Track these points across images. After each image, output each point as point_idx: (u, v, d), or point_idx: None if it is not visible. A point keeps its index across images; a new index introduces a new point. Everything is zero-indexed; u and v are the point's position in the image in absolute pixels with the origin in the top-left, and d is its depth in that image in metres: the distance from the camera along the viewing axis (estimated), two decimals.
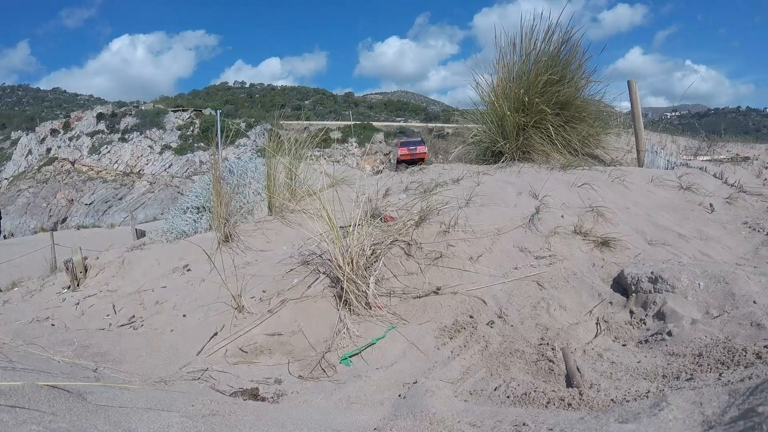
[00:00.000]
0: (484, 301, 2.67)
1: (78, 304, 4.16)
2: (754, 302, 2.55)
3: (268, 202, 5.08)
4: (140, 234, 11.74)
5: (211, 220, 5.08)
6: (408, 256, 3.08)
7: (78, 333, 3.20)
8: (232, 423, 1.54)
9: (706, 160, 8.96)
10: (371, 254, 2.94)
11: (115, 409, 1.49)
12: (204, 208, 6.13)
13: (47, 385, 1.47)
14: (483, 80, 7.09)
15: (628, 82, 7.39)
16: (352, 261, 2.78)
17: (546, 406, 1.63)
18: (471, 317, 2.57)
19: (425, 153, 7.12)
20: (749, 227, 5.01)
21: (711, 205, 5.26)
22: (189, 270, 4.45)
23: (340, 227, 3.10)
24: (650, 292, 2.68)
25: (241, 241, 4.52)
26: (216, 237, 4.60)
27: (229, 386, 2.31)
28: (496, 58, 7.03)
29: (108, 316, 3.76)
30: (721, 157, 9.69)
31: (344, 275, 2.73)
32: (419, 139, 8.34)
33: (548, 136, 6.06)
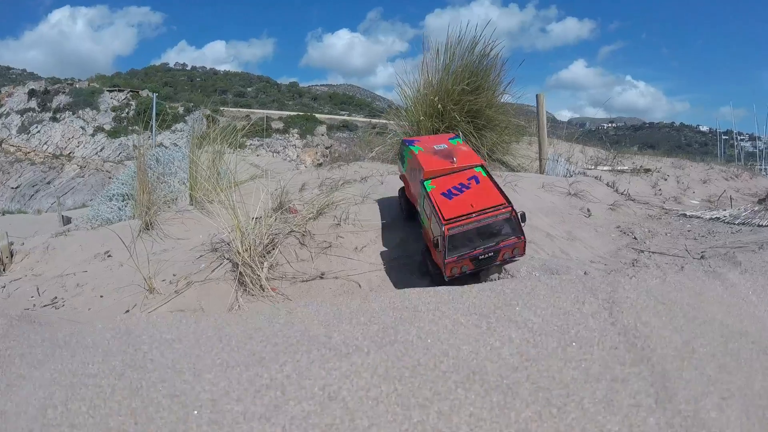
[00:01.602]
0: (359, 284, 3.16)
1: (4, 287, 4.31)
2: None
3: (190, 193, 5.35)
4: (66, 221, 11.49)
5: (134, 209, 5.29)
6: (302, 245, 3.52)
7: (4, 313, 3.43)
8: None
9: (606, 170, 9.95)
10: (269, 243, 3.36)
11: None
12: (129, 196, 6.29)
13: None
14: (406, 84, 7.65)
15: (537, 96, 8.15)
16: (250, 248, 3.19)
17: None
18: None
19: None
20: (621, 231, 5.71)
21: (588, 210, 5.99)
22: (110, 256, 4.68)
23: (253, 218, 3.49)
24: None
25: (161, 230, 4.79)
26: (137, 225, 4.85)
27: None
28: (421, 65, 7.61)
29: (32, 297, 3.95)
30: (624, 167, 10.71)
31: (241, 260, 3.14)
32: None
33: None
